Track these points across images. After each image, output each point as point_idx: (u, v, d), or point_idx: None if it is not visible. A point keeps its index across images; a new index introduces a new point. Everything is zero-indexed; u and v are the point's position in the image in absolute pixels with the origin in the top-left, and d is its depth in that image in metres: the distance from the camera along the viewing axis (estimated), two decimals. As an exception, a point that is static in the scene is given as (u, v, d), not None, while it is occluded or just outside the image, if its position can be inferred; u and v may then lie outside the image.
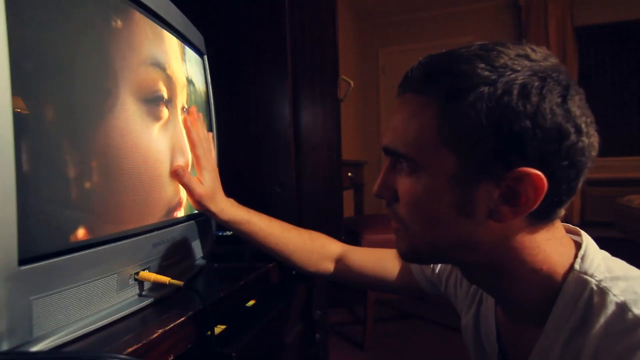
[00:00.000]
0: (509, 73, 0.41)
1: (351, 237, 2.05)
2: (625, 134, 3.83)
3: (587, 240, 0.48)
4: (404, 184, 0.47)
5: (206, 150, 0.70)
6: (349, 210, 2.94)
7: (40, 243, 0.39)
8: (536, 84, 0.40)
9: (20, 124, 0.36)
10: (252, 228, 0.72)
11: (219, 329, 0.68)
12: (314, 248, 0.77)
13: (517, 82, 0.40)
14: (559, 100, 0.40)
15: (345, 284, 0.81)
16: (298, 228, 0.79)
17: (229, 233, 0.91)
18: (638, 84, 3.86)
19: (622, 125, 3.83)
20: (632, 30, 3.84)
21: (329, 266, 0.78)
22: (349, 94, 1.53)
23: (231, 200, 0.72)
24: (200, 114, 0.71)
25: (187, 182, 0.65)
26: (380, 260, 0.76)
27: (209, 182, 0.67)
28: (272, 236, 0.73)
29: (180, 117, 0.66)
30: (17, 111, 0.36)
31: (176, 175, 0.64)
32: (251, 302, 0.83)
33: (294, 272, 0.89)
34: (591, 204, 3.65)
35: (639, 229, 2.54)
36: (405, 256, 0.53)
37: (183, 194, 0.67)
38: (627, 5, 3.77)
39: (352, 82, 1.56)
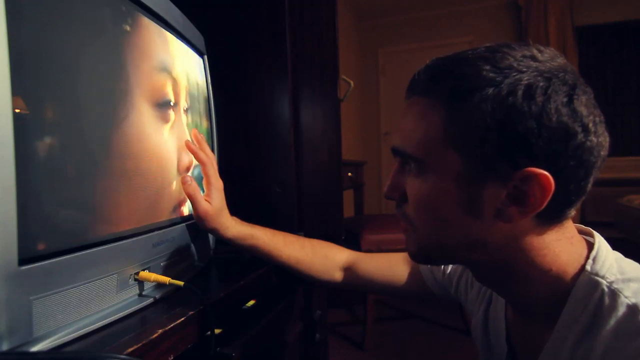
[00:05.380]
0: (514, 74, 0.41)
1: (351, 237, 2.05)
2: (625, 134, 3.83)
3: (600, 241, 0.47)
4: (413, 185, 0.48)
5: (215, 169, 0.70)
6: (349, 210, 2.94)
7: (40, 243, 0.39)
8: (541, 84, 0.40)
9: (20, 124, 0.36)
10: (255, 243, 0.72)
11: (218, 330, 0.68)
12: (317, 259, 0.77)
13: (522, 82, 0.40)
14: (564, 100, 0.40)
15: (354, 291, 0.81)
16: (302, 239, 0.79)
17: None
18: (638, 84, 3.86)
19: (622, 125, 3.83)
20: (632, 30, 3.84)
21: (336, 275, 0.78)
22: (349, 94, 1.53)
23: (235, 218, 0.72)
24: (202, 135, 0.72)
25: (193, 194, 0.65)
26: (390, 266, 0.76)
27: (216, 200, 0.68)
28: (275, 250, 0.74)
29: (183, 118, 0.67)
30: (17, 111, 0.36)
31: (183, 184, 0.65)
32: (251, 302, 0.83)
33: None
34: (591, 204, 3.64)
35: (639, 229, 2.54)
36: (415, 256, 0.53)
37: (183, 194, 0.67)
38: (627, 5, 3.77)
39: (352, 82, 1.56)
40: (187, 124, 0.70)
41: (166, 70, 0.62)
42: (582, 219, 3.65)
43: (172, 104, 0.63)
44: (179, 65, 0.67)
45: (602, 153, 0.43)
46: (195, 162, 0.70)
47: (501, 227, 0.44)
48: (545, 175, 0.40)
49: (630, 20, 3.80)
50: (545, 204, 0.41)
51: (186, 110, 0.69)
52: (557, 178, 0.40)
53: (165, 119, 0.61)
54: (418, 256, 0.53)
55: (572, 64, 0.44)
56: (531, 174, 0.40)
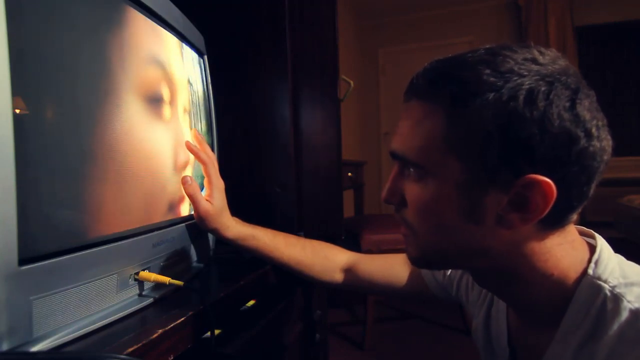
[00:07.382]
0: (515, 78, 0.40)
1: (351, 237, 2.05)
2: (626, 134, 3.83)
3: (602, 244, 0.47)
4: (412, 190, 0.47)
5: (216, 169, 0.70)
6: (349, 210, 2.94)
7: (40, 243, 0.39)
8: (543, 88, 0.39)
9: (20, 124, 0.36)
10: (256, 244, 0.72)
11: (218, 330, 0.68)
12: (317, 261, 0.77)
13: (524, 87, 0.39)
14: (567, 104, 0.39)
15: (355, 292, 0.80)
16: (302, 240, 0.79)
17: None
18: (638, 84, 3.86)
19: (622, 125, 3.83)
20: (632, 30, 3.84)
21: (336, 277, 0.78)
22: (349, 94, 1.53)
23: (235, 219, 0.72)
24: (202, 135, 0.72)
25: (194, 193, 0.65)
26: (390, 268, 0.76)
27: (217, 200, 0.68)
28: (276, 251, 0.74)
29: (181, 117, 0.67)
30: (17, 111, 0.36)
31: (183, 184, 0.64)
32: (251, 303, 0.83)
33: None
34: (591, 204, 3.61)
35: (639, 229, 2.54)
36: (416, 262, 0.53)
37: (184, 193, 0.67)
38: (627, 5, 3.77)
39: (352, 82, 1.56)
40: (186, 123, 0.69)
41: (164, 68, 0.62)
42: (582, 219, 3.64)
43: (165, 100, 0.62)
44: (178, 65, 0.67)
45: (604, 157, 0.42)
46: (193, 160, 0.69)
47: (502, 234, 0.43)
48: (547, 182, 0.39)
49: (630, 20, 3.80)
50: (547, 210, 0.41)
51: (186, 110, 0.69)
52: (559, 184, 0.40)
53: (163, 117, 0.61)
54: (418, 261, 0.52)
55: (572, 64, 0.44)
56: (533, 181, 0.40)
